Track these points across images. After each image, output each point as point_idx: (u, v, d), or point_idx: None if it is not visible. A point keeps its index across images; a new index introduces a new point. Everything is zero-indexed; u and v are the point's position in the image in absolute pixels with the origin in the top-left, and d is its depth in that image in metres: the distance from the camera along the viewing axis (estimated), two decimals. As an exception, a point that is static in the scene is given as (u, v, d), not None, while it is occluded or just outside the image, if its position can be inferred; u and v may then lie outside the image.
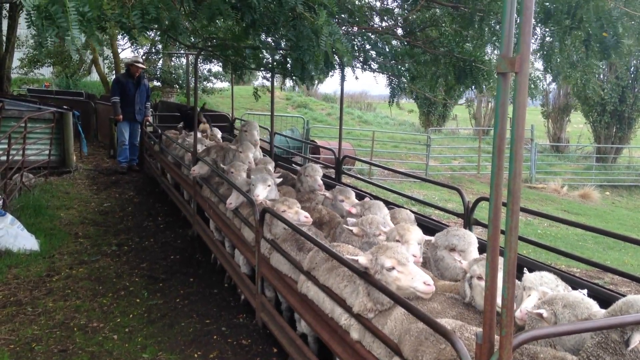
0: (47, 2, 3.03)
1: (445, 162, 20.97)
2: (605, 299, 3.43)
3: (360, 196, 5.78)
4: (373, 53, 6.58)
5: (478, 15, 5.52)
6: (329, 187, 6.74)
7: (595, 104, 21.73)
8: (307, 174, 6.22)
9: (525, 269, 3.39)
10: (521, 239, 4.61)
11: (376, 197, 6.24)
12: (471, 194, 15.15)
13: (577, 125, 27.38)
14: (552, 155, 23.69)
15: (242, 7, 4.74)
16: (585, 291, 3.05)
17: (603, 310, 2.68)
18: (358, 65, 7.14)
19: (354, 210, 4.97)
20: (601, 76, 21.31)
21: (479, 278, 3.05)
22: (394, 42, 6.56)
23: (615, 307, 2.52)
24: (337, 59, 5.10)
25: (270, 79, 8.79)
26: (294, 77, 7.43)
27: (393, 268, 3.09)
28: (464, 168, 20.31)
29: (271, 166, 6.80)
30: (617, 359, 2.35)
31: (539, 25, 5.18)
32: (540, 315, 2.70)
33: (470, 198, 5.29)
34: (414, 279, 3.01)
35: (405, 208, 5.25)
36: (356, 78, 7.44)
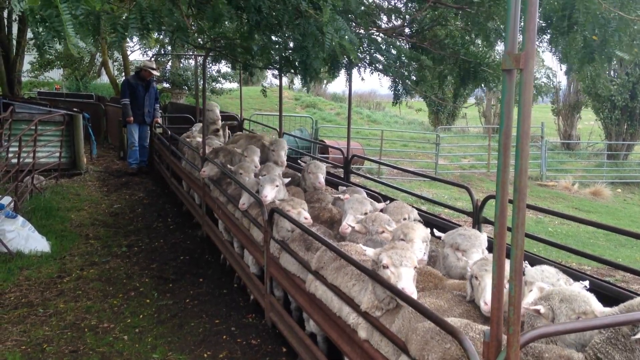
0: (40, 6, 3.04)
1: (454, 160, 20.88)
2: (616, 297, 3.41)
3: (370, 196, 5.76)
4: (378, 55, 6.56)
5: (483, 15, 5.49)
6: (337, 186, 6.74)
7: (606, 100, 21.54)
8: (309, 171, 6.21)
9: (526, 262, 3.38)
10: (531, 237, 4.59)
11: (385, 197, 6.24)
12: (481, 192, 15.08)
13: (588, 122, 27.16)
14: (563, 152, 23.52)
15: (246, 8, 4.72)
16: (586, 283, 3.04)
17: (602, 306, 2.66)
18: (363, 67, 7.13)
19: (341, 196, 5.39)
20: (611, 72, 21.14)
21: (476, 278, 3.05)
22: (399, 45, 6.54)
23: (633, 302, 2.49)
24: (345, 57, 5.09)
25: (278, 77, 8.79)
26: (301, 76, 7.42)
27: (387, 267, 3.13)
28: (473, 166, 20.21)
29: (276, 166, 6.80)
30: (626, 355, 2.31)
31: (539, 34, 5.16)
32: (538, 311, 2.69)
33: (480, 196, 5.27)
34: (397, 283, 3.03)
35: (414, 207, 5.23)
36: (362, 79, 7.39)
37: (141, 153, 12.55)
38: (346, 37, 4.58)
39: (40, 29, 3.08)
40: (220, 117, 10.29)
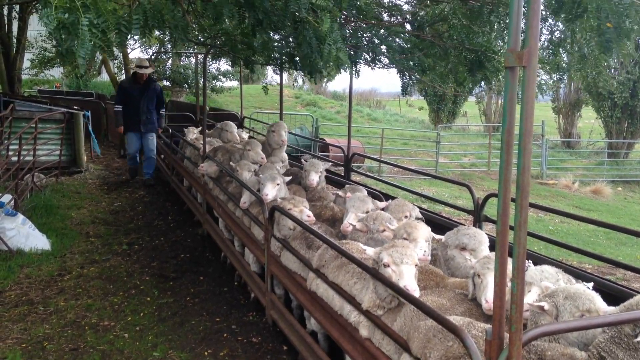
0: (65, 16, 3.07)
1: (455, 159, 20.88)
2: (617, 295, 3.40)
3: (372, 194, 5.75)
4: (382, 47, 6.54)
5: (487, 7, 5.47)
6: (338, 184, 6.74)
7: (606, 98, 21.52)
8: (304, 169, 6.19)
9: (530, 261, 3.37)
10: (532, 235, 4.58)
11: (386, 195, 6.23)
12: (481, 190, 15.07)
13: (589, 120, 27.15)
14: (563, 151, 23.50)
15: (247, 8, 4.71)
16: (590, 284, 3.03)
17: (606, 305, 2.66)
18: (365, 63, 7.11)
19: (341, 193, 5.49)
20: (612, 71, 21.11)
21: (478, 276, 3.04)
22: (402, 36, 6.51)
23: (632, 301, 2.48)
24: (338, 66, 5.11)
25: (279, 73, 8.76)
26: (304, 71, 7.41)
27: (388, 265, 3.13)
28: (474, 165, 20.20)
29: (279, 165, 6.79)
30: (630, 354, 2.30)
31: (551, 16, 5.13)
32: (542, 307, 2.68)
33: (481, 195, 5.26)
34: (399, 281, 3.02)
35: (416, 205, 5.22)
36: (357, 76, 7.29)
37: (147, 165, 11.32)
38: (341, 49, 4.59)
39: (63, 35, 3.11)
40: (238, 138, 9.15)
